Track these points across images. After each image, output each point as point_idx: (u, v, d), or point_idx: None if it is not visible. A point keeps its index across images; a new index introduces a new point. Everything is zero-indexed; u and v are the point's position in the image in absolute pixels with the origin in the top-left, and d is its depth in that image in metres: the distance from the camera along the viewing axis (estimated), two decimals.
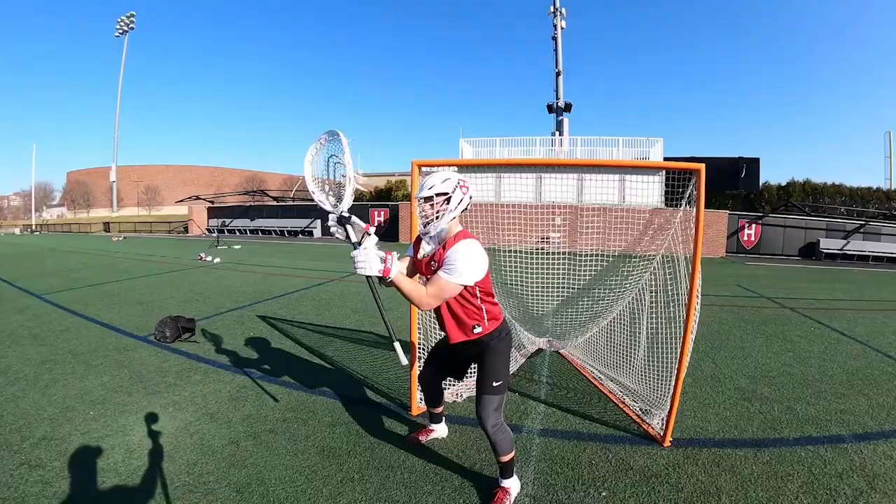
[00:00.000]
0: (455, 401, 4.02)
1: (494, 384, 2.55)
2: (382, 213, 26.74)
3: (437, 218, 2.41)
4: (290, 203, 32.72)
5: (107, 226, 42.36)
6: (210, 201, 34.24)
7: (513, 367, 4.58)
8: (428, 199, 2.42)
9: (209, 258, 14.57)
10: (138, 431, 3.38)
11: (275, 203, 32.59)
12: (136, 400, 3.92)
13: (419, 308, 2.38)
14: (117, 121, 77.66)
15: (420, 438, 3.31)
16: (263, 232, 30.13)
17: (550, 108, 30.00)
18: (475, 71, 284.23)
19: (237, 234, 30.02)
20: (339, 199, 2.34)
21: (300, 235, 28.91)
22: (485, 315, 2.56)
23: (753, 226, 23.06)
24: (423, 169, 3.61)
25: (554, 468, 3.06)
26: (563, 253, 5.02)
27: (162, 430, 3.41)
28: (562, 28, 29.67)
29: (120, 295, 8.48)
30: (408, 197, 28.19)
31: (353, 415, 3.73)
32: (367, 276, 2.22)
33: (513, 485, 2.70)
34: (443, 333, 2.78)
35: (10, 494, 2.65)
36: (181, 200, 36.37)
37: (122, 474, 2.87)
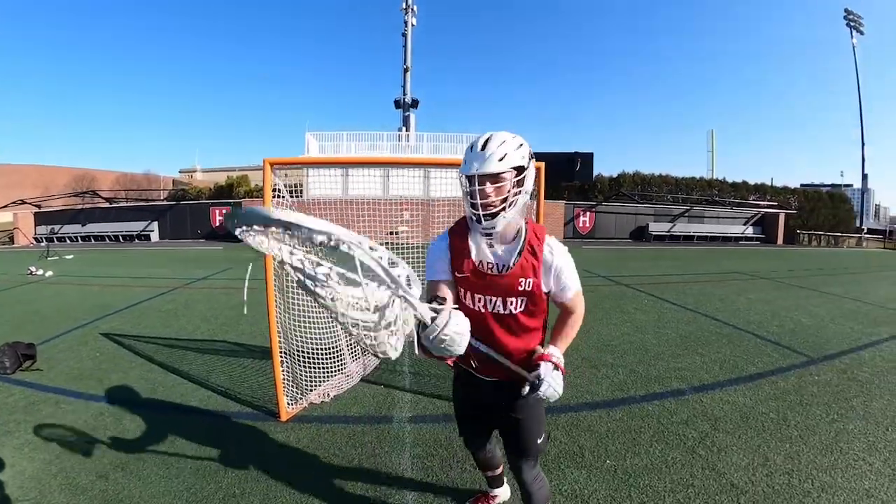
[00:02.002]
0: (323, 401, 4.03)
1: (539, 441, 1.97)
2: (225, 211, 25.06)
3: (509, 206, 1.60)
4: (125, 204, 29.57)
5: None
6: (37, 205, 29.81)
7: (375, 362, 4.73)
8: (493, 176, 1.57)
9: (40, 272, 12.75)
10: None
11: (108, 205, 29.22)
12: None
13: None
14: None
15: None
16: (96, 238, 26.42)
17: (398, 104, 30.44)
18: (322, 63, 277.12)
19: (68, 241, 26.24)
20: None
21: (136, 241, 25.95)
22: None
23: (588, 213, 25.84)
24: (276, 167, 3.51)
25: (428, 451, 3.22)
26: (419, 245, 5.23)
27: (22, 475, 2.99)
28: (412, 25, 30.12)
29: None
30: (251, 193, 27.21)
31: (221, 429, 3.59)
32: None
33: None
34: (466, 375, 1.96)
35: None
36: (5, 206, 31.44)
37: None
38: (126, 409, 3.93)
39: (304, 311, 3.91)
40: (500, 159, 1.54)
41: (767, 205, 27.23)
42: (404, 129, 28.94)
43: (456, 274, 1.77)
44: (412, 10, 29.84)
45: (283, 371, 3.68)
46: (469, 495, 2.73)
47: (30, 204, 29.79)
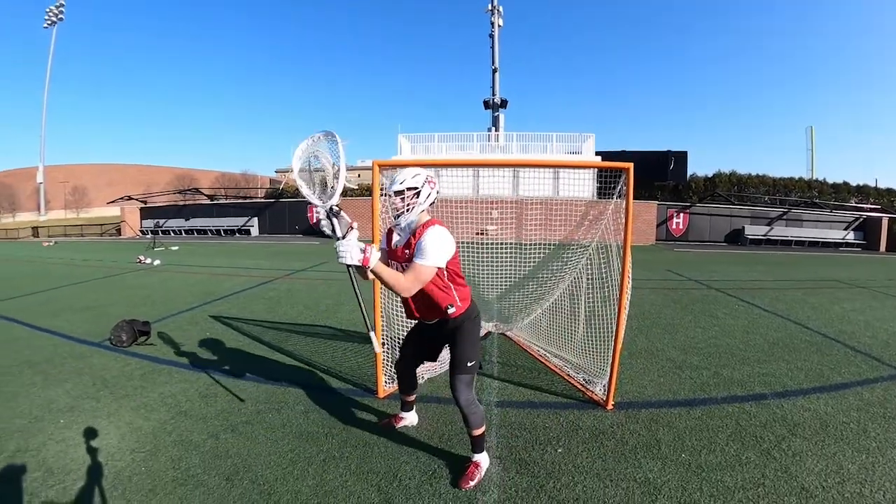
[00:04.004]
0: (419, 383, 4.26)
1: (469, 364, 2.76)
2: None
3: (407, 210, 2.63)
4: (226, 201, 31.71)
5: (35, 231, 39.66)
6: (142, 201, 32.71)
7: None
8: (399, 192, 2.62)
9: (148, 260, 14.10)
10: (114, 434, 3.37)
11: (209, 202, 31.48)
12: (105, 405, 3.87)
13: (400, 294, 2.54)
14: (44, 118, 68.29)
15: (393, 424, 3.47)
16: (199, 232, 28.82)
17: (487, 105, 30.56)
18: (413, 66, 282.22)
19: (172, 234, 28.68)
20: (326, 192, 2.50)
21: (237, 234, 27.94)
22: (456, 296, 2.74)
23: (682, 215, 24.65)
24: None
25: (513, 432, 3.41)
26: (509, 242, 5.36)
27: (139, 431, 3.42)
28: (499, 26, 30.18)
29: (63, 301, 8.15)
30: (346, 191, 27.98)
31: (323, 402, 3.91)
32: (348, 266, 2.41)
33: (483, 459, 2.91)
34: (411, 322, 3.03)
35: None
36: (113, 201, 34.72)
37: (108, 476, 2.86)
38: (235, 381, 4.37)
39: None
40: (401, 183, 2.63)
41: (870, 208, 24.97)
42: (493, 129, 29.05)
43: (386, 249, 2.87)
44: (498, 10, 29.90)
45: (384, 353, 4.02)
46: (549, 474, 2.89)
47: (136, 200, 32.59)
